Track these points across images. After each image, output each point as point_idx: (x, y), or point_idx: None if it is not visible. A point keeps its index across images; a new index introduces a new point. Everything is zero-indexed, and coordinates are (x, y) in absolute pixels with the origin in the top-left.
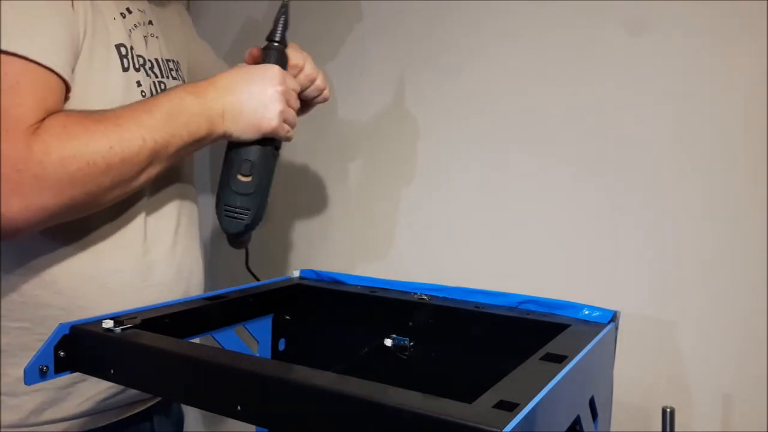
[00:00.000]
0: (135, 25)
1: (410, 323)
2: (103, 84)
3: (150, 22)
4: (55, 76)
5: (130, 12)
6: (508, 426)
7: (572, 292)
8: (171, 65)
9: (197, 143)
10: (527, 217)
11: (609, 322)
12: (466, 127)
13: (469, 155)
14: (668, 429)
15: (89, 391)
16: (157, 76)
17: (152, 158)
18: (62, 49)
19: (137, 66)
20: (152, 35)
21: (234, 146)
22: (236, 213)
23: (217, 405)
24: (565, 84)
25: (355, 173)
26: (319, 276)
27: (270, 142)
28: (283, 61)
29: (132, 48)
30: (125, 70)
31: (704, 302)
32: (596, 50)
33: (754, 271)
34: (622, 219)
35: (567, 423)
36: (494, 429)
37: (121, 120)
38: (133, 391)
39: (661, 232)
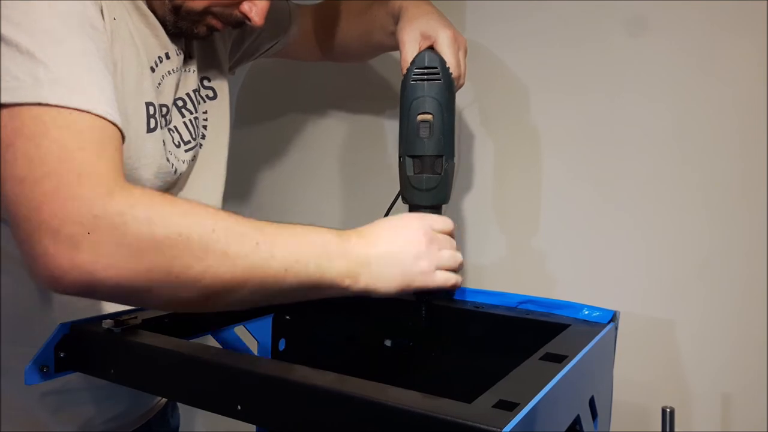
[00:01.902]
0: (169, 72)
1: (410, 323)
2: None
3: (190, 55)
4: (107, 123)
5: (168, 57)
6: (508, 426)
7: (572, 292)
8: (205, 83)
9: (326, 289)
10: (526, 218)
11: (609, 322)
12: (464, 126)
13: (467, 155)
14: (668, 429)
15: (76, 416)
16: (192, 113)
17: (262, 274)
18: (110, 98)
19: (164, 120)
20: (187, 70)
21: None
22: None
23: (217, 405)
24: (563, 83)
25: (356, 172)
26: None
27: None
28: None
29: (161, 106)
30: (151, 130)
31: (704, 302)
32: (596, 50)
33: (754, 271)
34: (622, 219)
35: (567, 423)
36: (494, 429)
37: (235, 216)
38: (126, 416)
39: (661, 231)
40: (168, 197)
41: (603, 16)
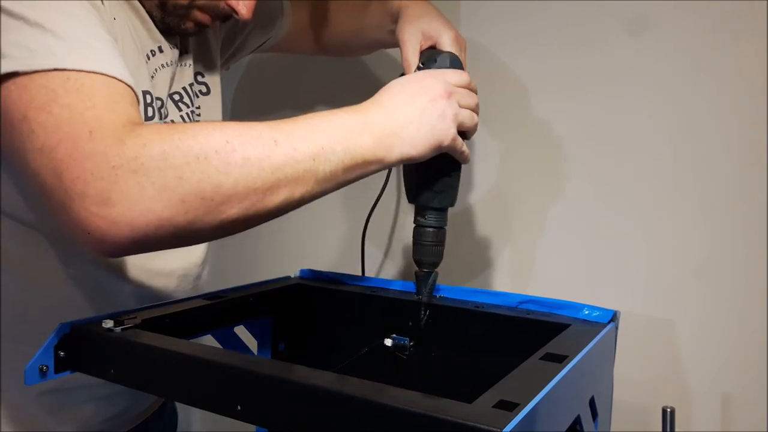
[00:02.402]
0: (162, 65)
1: (410, 323)
2: None
3: (186, 50)
4: (120, 82)
5: (161, 51)
6: (508, 426)
7: (572, 292)
8: (199, 78)
9: (361, 166)
10: (526, 218)
11: (609, 322)
12: None
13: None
14: (668, 429)
15: (73, 415)
16: (188, 106)
17: (292, 170)
18: (121, 62)
19: (159, 114)
20: (183, 64)
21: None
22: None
23: (217, 405)
24: (564, 84)
25: None
26: (319, 276)
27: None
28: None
29: (156, 96)
30: (149, 119)
31: (704, 302)
32: (596, 50)
33: (754, 271)
34: (622, 219)
35: (567, 423)
36: (494, 429)
37: (247, 123)
38: (124, 415)
39: (661, 231)
40: (177, 126)
41: (606, 16)
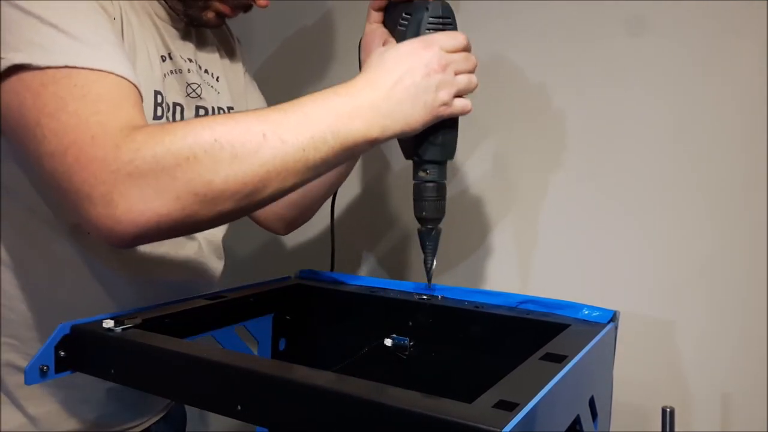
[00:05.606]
0: (171, 72)
1: (410, 323)
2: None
3: (207, 71)
4: (125, 81)
5: (171, 57)
6: (507, 426)
7: (572, 292)
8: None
9: (352, 149)
10: (526, 217)
11: (609, 322)
12: (462, 126)
13: (469, 154)
14: (668, 429)
15: (74, 416)
16: (208, 112)
17: (281, 163)
18: (128, 62)
19: (169, 115)
20: (207, 84)
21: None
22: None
23: (217, 405)
24: (564, 83)
25: (356, 173)
26: (319, 276)
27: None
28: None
29: (174, 104)
30: (158, 118)
31: (704, 302)
32: (596, 50)
33: (754, 271)
34: (622, 219)
35: (567, 423)
36: (494, 429)
37: (236, 115)
38: (123, 415)
39: (661, 231)
40: (168, 128)
41: (607, 15)
